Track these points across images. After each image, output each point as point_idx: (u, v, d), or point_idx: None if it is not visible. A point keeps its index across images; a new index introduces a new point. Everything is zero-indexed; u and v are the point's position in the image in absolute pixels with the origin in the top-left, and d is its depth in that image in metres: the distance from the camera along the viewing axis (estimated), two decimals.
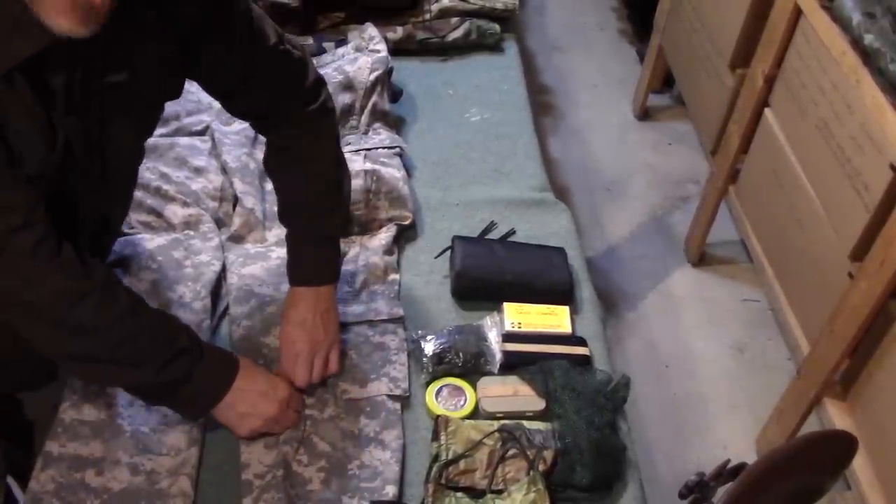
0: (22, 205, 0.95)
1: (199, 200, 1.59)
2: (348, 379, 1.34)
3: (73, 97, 0.96)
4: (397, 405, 1.32)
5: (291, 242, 1.34)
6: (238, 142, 1.72)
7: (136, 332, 1.09)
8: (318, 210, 1.32)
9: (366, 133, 1.76)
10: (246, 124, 1.75)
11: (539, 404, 1.32)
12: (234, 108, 1.30)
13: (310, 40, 2.05)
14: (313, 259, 1.33)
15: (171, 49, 1.08)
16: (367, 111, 1.77)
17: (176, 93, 1.18)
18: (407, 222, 1.61)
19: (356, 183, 1.56)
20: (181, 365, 1.12)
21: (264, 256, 1.53)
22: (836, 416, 1.70)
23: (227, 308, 1.45)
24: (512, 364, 1.38)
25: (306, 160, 1.29)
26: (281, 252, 1.54)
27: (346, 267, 1.51)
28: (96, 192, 1.09)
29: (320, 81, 1.28)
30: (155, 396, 1.18)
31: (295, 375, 1.28)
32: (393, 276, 1.52)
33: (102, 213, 1.13)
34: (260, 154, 1.72)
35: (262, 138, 1.76)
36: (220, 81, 1.20)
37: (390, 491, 1.20)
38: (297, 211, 1.33)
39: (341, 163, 1.36)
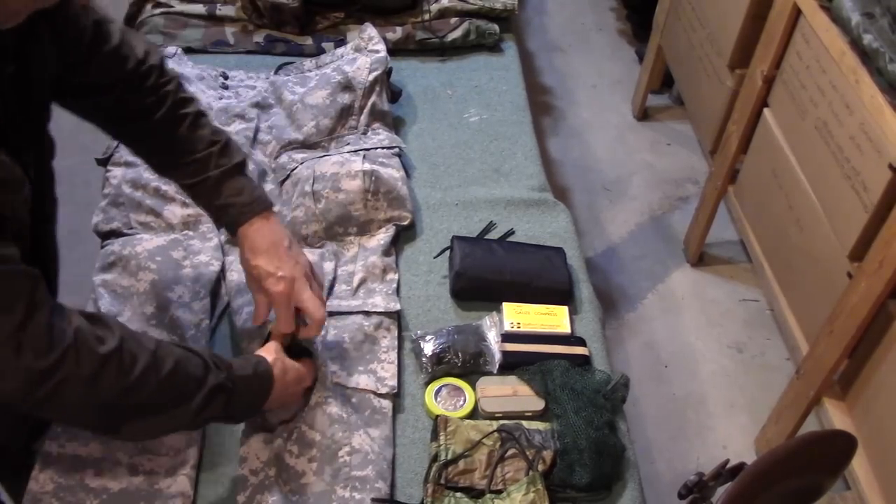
0: (24, 293, 0.91)
1: None
2: (337, 360, 1.33)
3: None
4: (385, 403, 1.32)
5: (211, 184, 1.20)
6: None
7: (161, 388, 1.03)
8: (214, 143, 1.21)
9: (364, 133, 1.75)
10: (245, 125, 1.77)
11: (538, 404, 1.32)
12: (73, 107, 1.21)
13: (309, 40, 2.06)
14: (248, 185, 1.23)
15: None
16: (365, 111, 1.77)
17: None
18: (406, 223, 1.61)
19: (354, 184, 1.56)
20: (216, 404, 1.09)
21: None
22: (835, 416, 1.70)
23: (226, 307, 1.45)
24: (511, 364, 1.38)
25: (172, 107, 1.20)
26: None
27: (345, 267, 1.51)
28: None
29: (148, 53, 1.18)
30: (200, 427, 1.23)
31: (279, 323, 1.23)
32: (391, 276, 1.52)
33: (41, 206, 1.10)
34: (259, 155, 1.73)
35: (260, 138, 1.77)
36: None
37: (382, 487, 1.20)
38: (192, 149, 1.20)
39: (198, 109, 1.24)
